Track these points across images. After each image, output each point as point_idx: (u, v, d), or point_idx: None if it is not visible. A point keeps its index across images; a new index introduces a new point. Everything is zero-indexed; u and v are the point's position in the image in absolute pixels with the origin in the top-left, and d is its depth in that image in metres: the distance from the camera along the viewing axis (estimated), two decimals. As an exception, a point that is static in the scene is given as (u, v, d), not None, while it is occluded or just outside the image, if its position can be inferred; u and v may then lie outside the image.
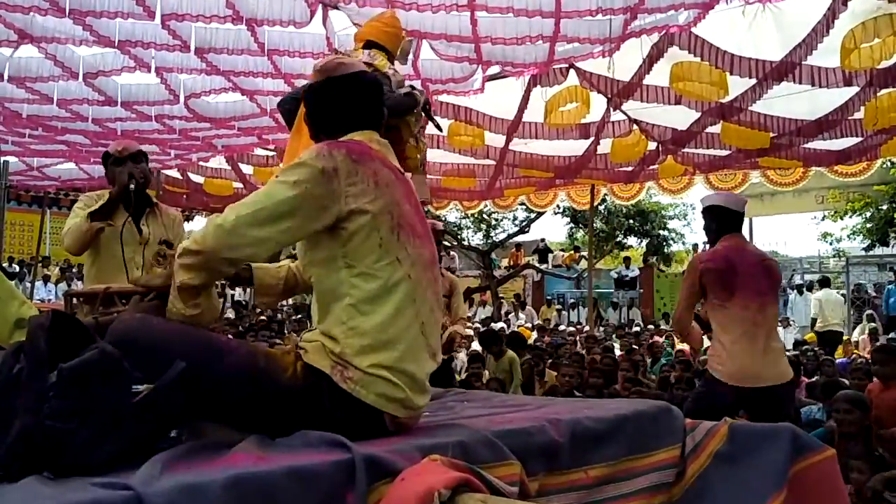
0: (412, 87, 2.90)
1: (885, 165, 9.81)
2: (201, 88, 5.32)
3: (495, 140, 6.64)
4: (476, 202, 9.94)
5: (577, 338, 9.92)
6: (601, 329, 12.71)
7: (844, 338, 10.32)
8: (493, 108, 6.08)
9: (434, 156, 7.37)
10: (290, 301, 13.72)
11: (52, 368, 1.22)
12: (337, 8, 4.02)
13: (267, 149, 7.44)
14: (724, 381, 3.21)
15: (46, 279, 12.22)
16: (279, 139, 6.77)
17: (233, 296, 17.01)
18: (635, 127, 6.46)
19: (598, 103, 5.82)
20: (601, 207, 17.32)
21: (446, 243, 20.35)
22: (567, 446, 1.71)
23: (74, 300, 1.90)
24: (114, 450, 1.21)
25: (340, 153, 1.52)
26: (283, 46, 4.39)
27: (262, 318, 11.04)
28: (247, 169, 8.06)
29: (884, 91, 5.18)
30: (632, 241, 19.81)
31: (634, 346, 8.60)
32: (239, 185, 8.49)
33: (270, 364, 1.46)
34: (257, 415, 1.43)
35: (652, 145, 6.82)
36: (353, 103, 1.70)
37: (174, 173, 8.72)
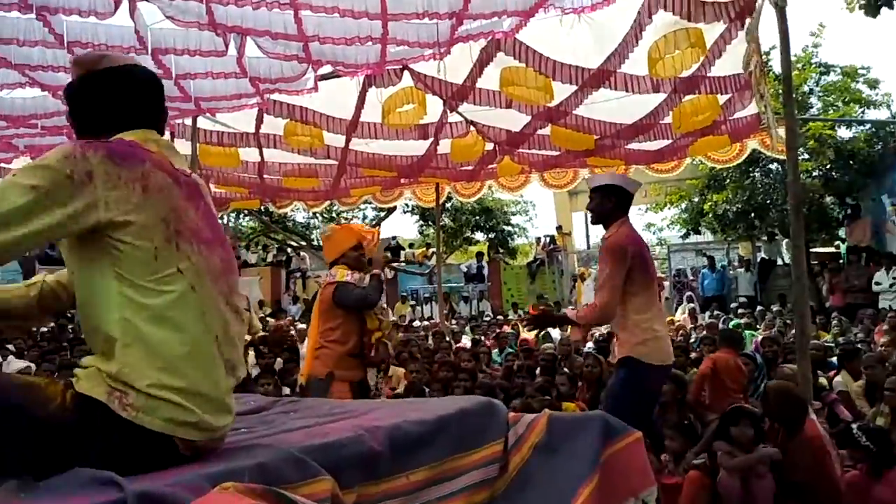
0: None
1: (694, 162, 10.92)
2: (-7, 83, 4.69)
3: (335, 140, 6.53)
4: (321, 202, 9.75)
5: (429, 333, 10.07)
6: (454, 322, 12.99)
7: (667, 318, 11.36)
8: (331, 107, 5.96)
9: (272, 156, 7.12)
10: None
11: None
12: (148, -1, 3.71)
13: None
14: (657, 364, 3.19)
15: None
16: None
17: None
18: (472, 128, 6.64)
19: (435, 104, 5.90)
20: (448, 205, 17.70)
21: (293, 243, 19.89)
22: (387, 454, 1.69)
23: None
24: None
25: (97, 155, 1.35)
26: (85, 39, 3.97)
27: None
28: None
29: (687, 98, 5.73)
30: (479, 236, 20.49)
31: (480, 338, 8.88)
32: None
33: (30, 396, 1.28)
34: (18, 455, 1.25)
35: (489, 146, 7.06)
36: (121, 100, 1.52)
37: (-30, 177, 7.69)
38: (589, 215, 3.57)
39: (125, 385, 1.32)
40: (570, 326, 6.46)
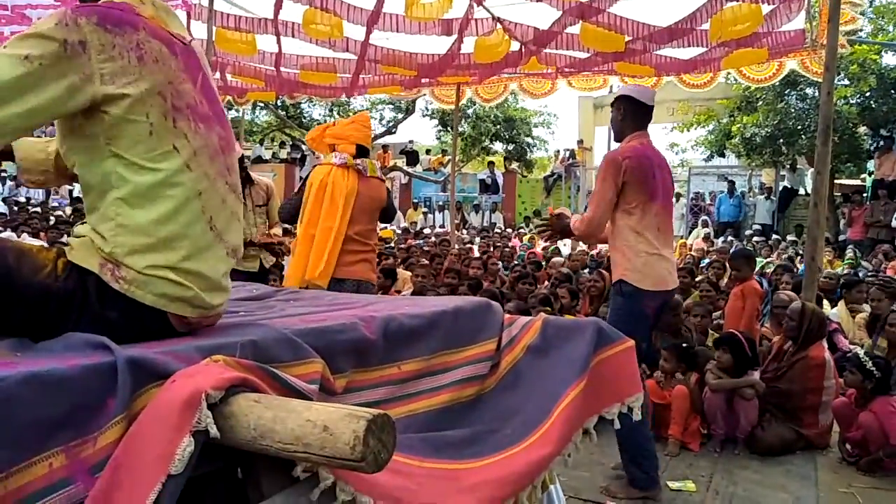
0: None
1: (728, 81, 10.50)
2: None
3: (355, 32, 6.31)
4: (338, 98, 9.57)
5: (439, 241, 10.15)
6: (465, 232, 13.05)
7: (680, 241, 11.30)
8: (351, -4, 5.74)
9: (289, 47, 6.92)
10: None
11: None
12: None
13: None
14: (647, 288, 3.04)
15: None
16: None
17: (71, 191, 15.52)
18: (498, 26, 6.37)
19: (460, -1, 5.66)
20: (469, 111, 17.32)
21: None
22: (380, 343, 1.71)
23: None
24: None
25: (90, 22, 1.27)
26: None
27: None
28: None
29: (728, 4, 5.43)
30: (497, 146, 20.14)
31: (487, 249, 8.93)
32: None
33: (23, 261, 1.28)
34: (10, 318, 1.26)
35: (515, 46, 6.78)
36: None
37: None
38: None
39: (118, 262, 1.32)
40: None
